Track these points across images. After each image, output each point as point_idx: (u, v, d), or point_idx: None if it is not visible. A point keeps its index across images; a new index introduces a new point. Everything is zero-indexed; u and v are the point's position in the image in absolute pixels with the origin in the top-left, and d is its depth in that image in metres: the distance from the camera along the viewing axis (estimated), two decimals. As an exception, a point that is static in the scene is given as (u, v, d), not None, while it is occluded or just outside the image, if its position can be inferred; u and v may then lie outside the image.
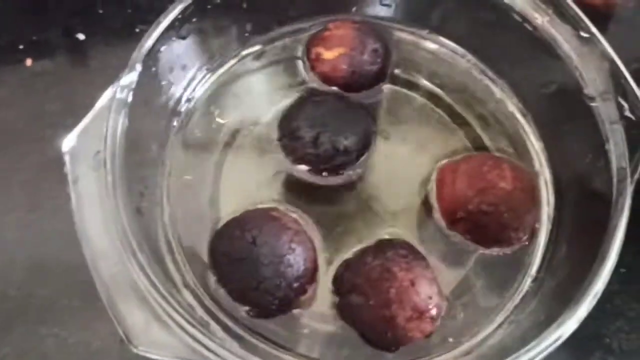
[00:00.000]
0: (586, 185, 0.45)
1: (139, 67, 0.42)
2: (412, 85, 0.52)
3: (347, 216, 0.46)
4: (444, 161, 0.47)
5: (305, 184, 0.46)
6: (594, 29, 0.45)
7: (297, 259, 0.41)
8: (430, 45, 0.53)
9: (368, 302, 0.40)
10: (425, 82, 0.52)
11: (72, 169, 0.38)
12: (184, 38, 0.46)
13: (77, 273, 0.37)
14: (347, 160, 0.45)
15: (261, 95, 0.51)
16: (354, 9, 0.53)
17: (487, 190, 0.43)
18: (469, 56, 0.53)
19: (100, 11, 0.58)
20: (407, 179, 0.47)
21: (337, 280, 0.42)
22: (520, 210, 0.44)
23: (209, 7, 0.47)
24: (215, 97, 0.50)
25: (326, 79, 0.49)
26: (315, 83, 0.50)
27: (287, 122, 0.46)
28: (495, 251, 0.44)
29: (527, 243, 0.45)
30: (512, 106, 0.51)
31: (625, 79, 0.43)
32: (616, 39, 0.58)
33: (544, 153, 0.49)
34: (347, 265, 0.42)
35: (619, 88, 0.43)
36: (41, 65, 0.55)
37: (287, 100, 0.49)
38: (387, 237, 0.44)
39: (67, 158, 0.38)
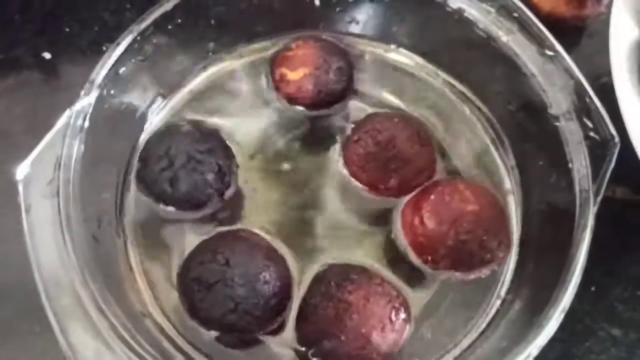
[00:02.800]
0: (551, 204, 0.45)
1: (95, 92, 0.41)
2: (378, 101, 0.51)
3: (313, 236, 0.46)
4: (404, 200, 0.46)
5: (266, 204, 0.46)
6: (558, 47, 0.44)
7: (272, 276, 0.40)
8: (397, 60, 0.53)
9: (340, 340, 0.39)
10: (391, 98, 0.51)
11: (25, 197, 0.38)
12: (143, 60, 0.45)
13: (37, 298, 0.37)
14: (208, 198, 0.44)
15: (225, 116, 0.50)
16: (321, 25, 0.52)
17: (459, 220, 0.42)
18: (437, 71, 0.52)
19: (67, 29, 0.57)
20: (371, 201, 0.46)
21: (301, 338, 0.41)
22: (495, 226, 0.43)
23: (169, 27, 0.46)
24: (177, 118, 0.49)
25: (292, 99, 0.48)
26: (280, 103, 0.49)
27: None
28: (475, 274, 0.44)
29: (506, 257, 0.45)
30: (480, 123, 0.50)
31: (590, 98, 0.42)
32: (587, 52, 0.58)
33: (512, 171, 0.48)
34: (303, 317, 0.41)
35: (584, 107, 0.42)
36: (5, 84, 0.54)
37: (253, 120, 0.49)
38: (345, 261, 0.44)
39: (20, 187, 0.38)
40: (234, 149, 0.47)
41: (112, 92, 0.43)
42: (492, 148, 0.49)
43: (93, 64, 0.52)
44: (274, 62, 0.49)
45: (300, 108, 0.49)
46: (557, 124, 0.43)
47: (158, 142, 0.44)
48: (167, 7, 0.45)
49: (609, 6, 0.55)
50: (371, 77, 0.52)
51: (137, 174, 0.44)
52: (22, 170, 0.38)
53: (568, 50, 0.57)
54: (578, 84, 0.43)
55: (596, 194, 0.40)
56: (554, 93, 0.44)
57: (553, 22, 0.55)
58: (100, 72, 0.42)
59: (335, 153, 0.49)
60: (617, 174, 0.41)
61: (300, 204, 0.47)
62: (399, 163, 0.45)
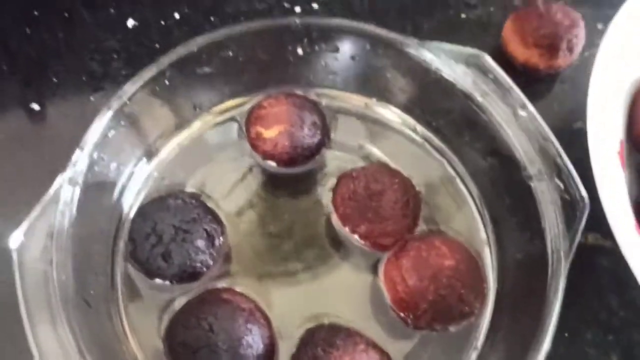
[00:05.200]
0: (526, 257, 0.47)
1: (84, 159, 0.43)
2: (356, 152, 0.53)
3: (300, 289, 0.48)
4: (384, 258, 0.48)
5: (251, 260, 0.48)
6: (531, 108, 0.46)
7: (255, 339, 0.42)
8: (376, 113, 0.55)
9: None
10: (370, 149, 0.53)
11: (20, 265, 0.39)
12: (129, 123, 0.47)
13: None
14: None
15: (206, 175, 0.51)
16: (303, 79, 0.54)
17: (437, 275, 0.44)
18: (416, 125, 0.54)
19: (54, 79, 0.58)
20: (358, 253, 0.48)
21: None
22: (472, 279, 0.45)
23: (157, 88, 0.48)
24: (160, 182, 0.51)
25: (268, 156, 0.50)
26: (258, 160, 0.51)
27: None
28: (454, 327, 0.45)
29: (483, 309, 0.46)
30: (457, 176, 0.52)
31: (562, 159, 0.44)
32: (560, 98, 0.60)
33: (488, 224, 0.50)
34: None
35: (555, 168, 0.44)
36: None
37: (233, 178, 0.51)
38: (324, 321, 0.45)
39: (14, 255, 0.39)
40: (218, 210, 0.48)
41: (99, 156, 0.45)
42: (468, 200, 0.51)
43: (81, 116, 0.54)
44: (249, 121, 0.51)
45: (277, 165, 0.50)
46: (530, 183, 0.45)
47: (144, 220, 0.45)
48: (159, 66, 0.47)
49: (581, 55, 0.58)
50: (349, 128, 0.54)
51: (130, 254, 0.45)
52: (15, 239, 0.39)
53: (541, 96, 0.61)
54: (550, 145, 0.45)
55: (568, 252, 0.42)
56: (527, 153, 0.45)
57: (527, 71, 0.58)
58: (90, 138, 0.43)
59: (318, 203, 0.50)
60: (588, 219, 0.43)
61: (285, 256, 0.49)
62: (374, 217, 0.47)
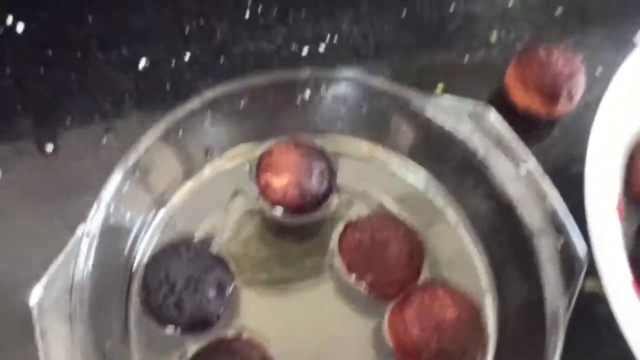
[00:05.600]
0: (526, 307, 0.49)
1: (102, 212, 0.44)
2: (360, 197, 0.54)
3: (307, 337, 0.49)
4: (389, 308, 0.49)
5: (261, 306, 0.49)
6: (533, 164, 0.48)
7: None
8: (379, 158, 0.56)
9: None
10: (373, 194, 0.55)
11: (40, 321, 0.40)
12: (142, 174, 0.48)
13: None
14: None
15: (216, 222, 0.53)
16: (308, 124, 0.55)
17: (440, 325, 0.46)
18: (419, 171, 0.55)
19: (68, 119, 0.59)
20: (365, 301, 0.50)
21: None
22: (474, 329, 0.47)
23: (169, 139, 0.49)
24: (171, 230, 0.52)
25: (277, 204, 0.51)
26: (266, 208, 0.52)
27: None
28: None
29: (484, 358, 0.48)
30: (460, 224, 0.53)
31: (563, 216, 0.46)
32: (559, 143, 0.62)
33: (489, 273, 0.52)
34: None
35: (556, 225, 0.46)
36: (11, 177, 0.56)
37: (243, 225, 0.53)
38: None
39: (34, 311, 0.40)
40: (228, 255, 0.50)
41: (115, 207, 0.46)
42: (470, 248, 0.52)
43: (94, 157, 0.56)
44: (259, 168, 0.52)
45: (286, 213, 0.52)
46: (530, 237, 0.47)
47: (157, 268, 0.47)
48: (175, 117, 0.48)
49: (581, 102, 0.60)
50: (354, 173, 0.55)
51: (143, 301, 0.47)
52: (35, 295, 0.41)
53: (541, 139, 0.62)
54: (551, 202, 0.46)
55: (566, 308, 0.44)
56: (528, 209, 0.47)
57: (528, 117, 0.60)
58: (106, 193, 0.45)
59: (323, 248, 0.52)
60: (587, 267, 0.45)
61: (291, 302, 0.51)
62: (379, 267, 0.49)
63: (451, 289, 0.49)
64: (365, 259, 0.49)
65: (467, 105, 0.49)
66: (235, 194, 0.54)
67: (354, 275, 0.49)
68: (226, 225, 0.53)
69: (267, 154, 0.52)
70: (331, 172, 0.53)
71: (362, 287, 0.50)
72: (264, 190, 0.52)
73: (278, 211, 0.52)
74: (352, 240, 0.50)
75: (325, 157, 0.53)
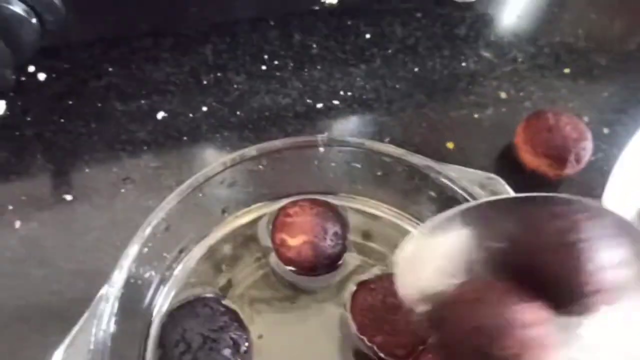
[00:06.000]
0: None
1: (123, 275, 0.45)
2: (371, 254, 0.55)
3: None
4: None
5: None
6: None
7: None
8: (391, 219, 0.57)
9: None
10: (386, 254, 0.55)
11: (63, 385, 0.42)
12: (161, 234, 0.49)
13: None
14: None
15: (233, 273, 0.54)
16: (323, 185, 0.57)
17: None
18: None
19: (87, 170, 0.61)
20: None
21: None
22: None
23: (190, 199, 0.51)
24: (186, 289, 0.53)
25: (291, 263, 0.53)
26: (279, 266, 0.53)
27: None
28: None
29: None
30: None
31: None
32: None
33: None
34: None
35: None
36: (29, 227, 0.58)
37: (257, 282, 0.53)
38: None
39: (58, 375, 0.42)
40: (241, 310, 0.51)
41: (136, 270, 0.47)
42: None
43: (110, 208, 0.57)
44: (274, 227, 0.53)
45: (300, 273, 0.53)
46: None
47: (173, 326, 0.48)
48: (197, 181, 0.50)
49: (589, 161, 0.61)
50: (366, 232, 0.56)
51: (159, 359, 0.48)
52: (57, 357, 0.42)
53: (549, 198, 0.63)
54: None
55: None
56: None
57: (537, 176, 0.62)
58: (129, 256, 0.46)
59: (336, 305, 0.53)
60: None
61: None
62: (390, 329, 0.50)
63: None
64: (376, 322, 0.50)
65: (479, 174, 0.51)
66: (251, 249, 0.55)
67: (365, 337, 0.50)
68: (241, 280, 0.54)
69: (283, 214, 0.54)
70: (344, 234, 0.54)
71: (374, 347, 0.50)
72: (279, 249, 0.53)
73: (290, 270, 0.53)
74: (364, 302, 0.51)
75: (340, 218, 0.54)
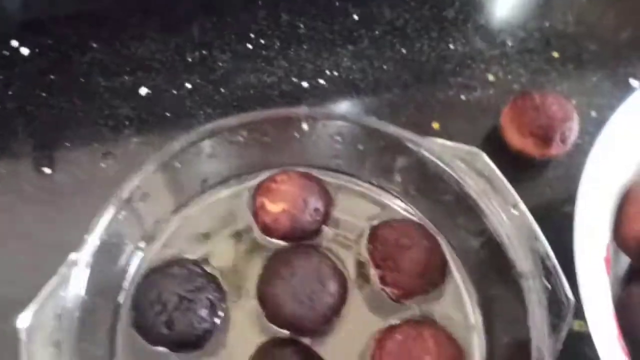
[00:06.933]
0: (513, 345, 0.49)
1: (94, 243, 0.45)
2: (351, 230, 0.55)
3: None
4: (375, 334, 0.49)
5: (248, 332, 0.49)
6: (523, 208, 0.48)
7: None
8: (374, 194, 0.57)
9: None
10: (365, 227, 0.55)
11: (28, 346, 0.41)
12: (138, 202, 0.49)
13: None
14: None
15: (212, 244, 0.53)
16: (305, 159, 0.56)
17: None
18: (410, 208, 0.56)
19: (67, 144, 0.60)
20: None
21: None
22: None
23: (168, 168, 0.50)
24: (162, 253, 0.52)
25: (266, 228, 0.52)
26: (255, 231, 0.53)
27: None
28: None
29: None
30: (449, 260, 0.54)
31: (551, 260, 0.46)
32: (551, 183, 0.63)
33: (477, 310, 0.52)
34: None
35: (544, 269, 0.46)
36: (6, 199, 0.57)
37: (233, 248, 0.53)
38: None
39: (23, 335, 0.41)
40: (221, 278, 0.50)
41: (108, 235, 0.46)
42: (460, 285, 0.53)
43: (91, 181, 0.56)
44: (258, 190, 0.53)
45: (272, 240, 0.53)
46: (519, 279, 0.47)
47: (149, 288, 0.47)
48: (174, 148, 0.49)
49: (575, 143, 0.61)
50: (348, 207, 0.56)
51: (133, 321, 0.47)
52: (24, 320, 0.41)
53: (533, 179, 0.63)
54: (540, 245, 0.47)
55: (551, 351, 0.44)
56: (518, 252, 0.47)
57: (522, 157, 0.61)
58: (101, 222, 0.45)
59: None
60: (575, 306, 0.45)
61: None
62: (393, 265, 0.51)
63: (438, 331, 0.49)
64: (384, 253, 0.51)
65: (461, 148, 0.50)
66: (230, 221, 0.54)
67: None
68: (219, 249, 0.53)
69: (270, 179, 0.53)
70: (326, 212, 0.53)
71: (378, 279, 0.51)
72: (257, 212, 0.52)
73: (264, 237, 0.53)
74: (381, 235, 0.52)
75: (324, 195, 0.53)
